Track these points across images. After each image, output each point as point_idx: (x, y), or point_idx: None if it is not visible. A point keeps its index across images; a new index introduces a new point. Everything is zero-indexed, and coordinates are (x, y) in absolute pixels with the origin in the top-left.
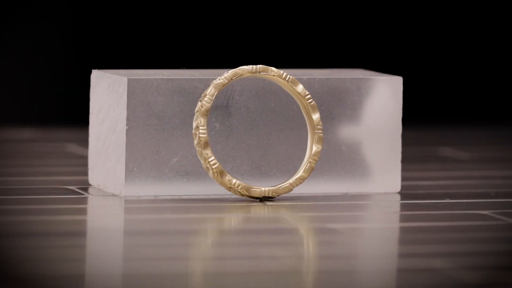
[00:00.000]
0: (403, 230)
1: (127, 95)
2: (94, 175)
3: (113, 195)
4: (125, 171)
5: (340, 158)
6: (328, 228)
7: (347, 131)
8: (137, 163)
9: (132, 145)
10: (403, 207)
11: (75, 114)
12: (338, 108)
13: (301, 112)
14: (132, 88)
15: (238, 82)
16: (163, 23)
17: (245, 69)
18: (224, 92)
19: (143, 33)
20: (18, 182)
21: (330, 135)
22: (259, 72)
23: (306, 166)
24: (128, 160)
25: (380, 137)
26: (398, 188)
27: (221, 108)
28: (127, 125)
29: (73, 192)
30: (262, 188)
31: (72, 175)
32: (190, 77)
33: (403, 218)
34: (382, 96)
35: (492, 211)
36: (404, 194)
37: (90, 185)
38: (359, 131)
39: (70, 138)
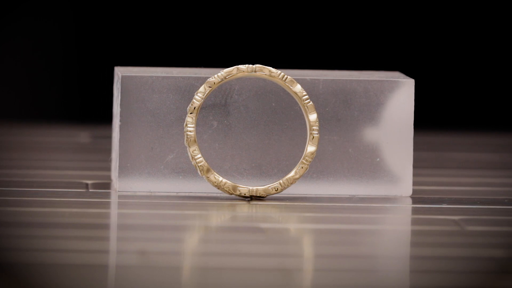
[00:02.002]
0: (394, 232)
1: (121, 92)
2: (113, 170)
3: (114, 190)
4: (119, 166)
5: (347, 160)
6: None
7: (354, 133)
8: (131, 159)
9: (125, 141)
10: (404, 210)
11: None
12: (344, 109)
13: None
14: (126, 84)
15: (237, 81)
16: (165, 21)
17: (240, 68)
18: (223, 90)
19: (147, 31)
20: (50, 176)
21: (335, 137)
22: (255, 71)
23: (299, 166)
24: (121, 155)
25: (390, 140)
26: (409, 192)
27: (219, 107)
28: (120, 121)
29: (82, 186)
30: (250, 187)
31: (98, 170)
32: (185, 75)
33: (399, 223)
34: (393, 99)
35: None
36: (416, 198)
37: (111, 180)
38: (367, 134)
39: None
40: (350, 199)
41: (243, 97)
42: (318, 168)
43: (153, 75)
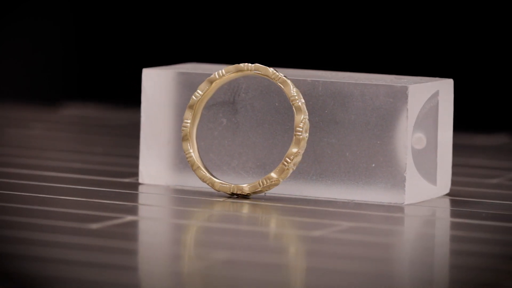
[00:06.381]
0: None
1: (142, 86)
2: None
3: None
4: (139, 159)
5: (344, 164)
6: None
7: (351, 137)
8: (151, 152)
9: (146, 134)
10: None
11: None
12: (342, 112)
13: None
14: (147, 79)
15: (244, 80)
16: (166, 21)
17: (238, 67)
18: (231, 88)
19: (146, 31)
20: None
21: (333, 140)
22: (252, 70)
23: (278, 167)
24: (142, 148)
25: (386, 146)
26: (402, 200)
27: (227, 104)
28: (141, 115)
29: (113, 175)
30: (232, 184)
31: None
32: (200, 71)
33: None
34: (389, 104)
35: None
36: (409, 206)
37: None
38: (365, 138)
39: None
40: (347, 204)
41: (250, 96)
42: (317, 170)
43: (171, 70)
